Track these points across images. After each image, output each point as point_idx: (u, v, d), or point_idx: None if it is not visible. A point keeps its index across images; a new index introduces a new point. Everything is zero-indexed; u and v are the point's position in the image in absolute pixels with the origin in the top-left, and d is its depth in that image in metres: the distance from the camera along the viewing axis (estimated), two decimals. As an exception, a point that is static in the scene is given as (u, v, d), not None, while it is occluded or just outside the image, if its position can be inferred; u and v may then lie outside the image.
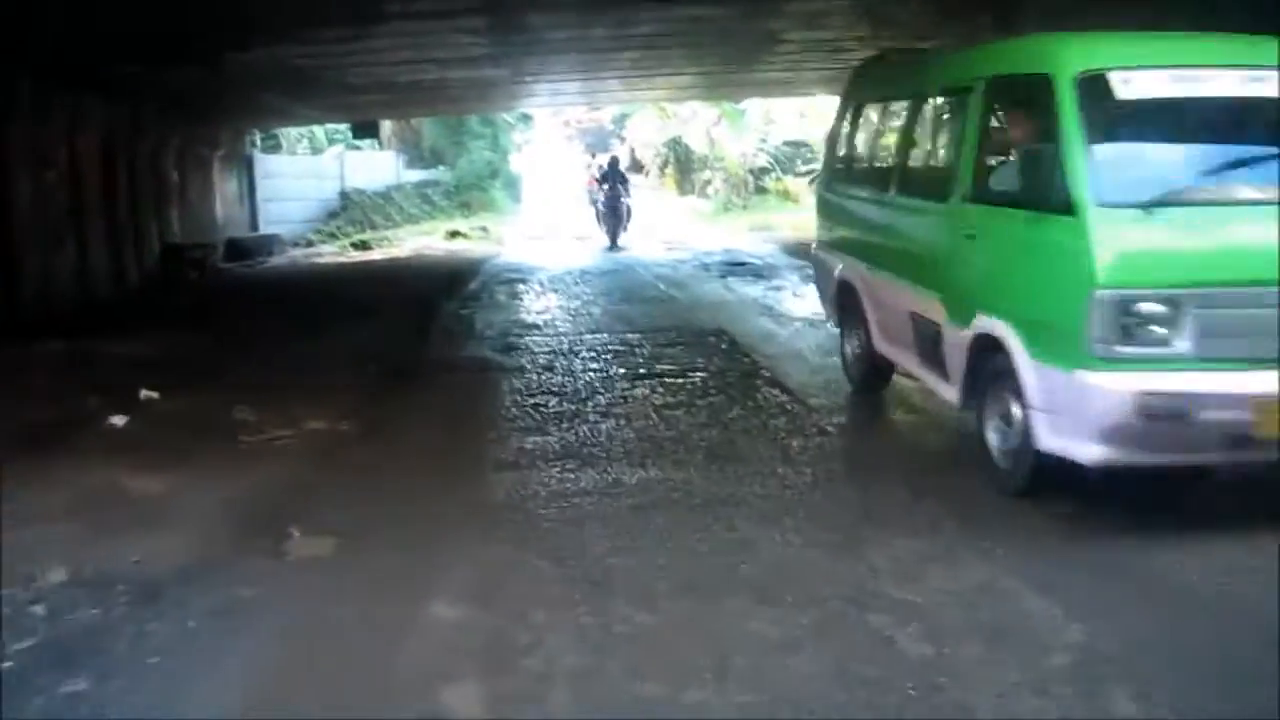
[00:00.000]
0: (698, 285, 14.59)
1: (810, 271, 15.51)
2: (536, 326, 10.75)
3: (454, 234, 24.42)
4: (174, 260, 17.76)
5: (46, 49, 11.32)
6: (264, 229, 23.47)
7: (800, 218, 27.42)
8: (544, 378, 8.00)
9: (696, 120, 34.33)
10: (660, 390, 7.48)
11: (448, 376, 8.42)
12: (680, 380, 7.78)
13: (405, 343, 10.04)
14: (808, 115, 32.91)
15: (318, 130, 33.96)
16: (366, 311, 12.38)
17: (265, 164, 24.65)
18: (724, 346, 9.31)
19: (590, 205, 23.88)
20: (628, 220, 22.10)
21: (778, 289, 13.69)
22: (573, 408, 6.99)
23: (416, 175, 32.01)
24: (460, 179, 32.52)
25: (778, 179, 35.64)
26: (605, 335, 9.94)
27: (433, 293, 14.56)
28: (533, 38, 13.31)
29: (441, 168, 33.72)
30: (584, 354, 8.93)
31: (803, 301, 12.62)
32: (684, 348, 9.25)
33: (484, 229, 25.52)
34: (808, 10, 12.66)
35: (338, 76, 15.74)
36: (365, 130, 23.52)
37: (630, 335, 9.91)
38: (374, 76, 15.92)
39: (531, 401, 7.22)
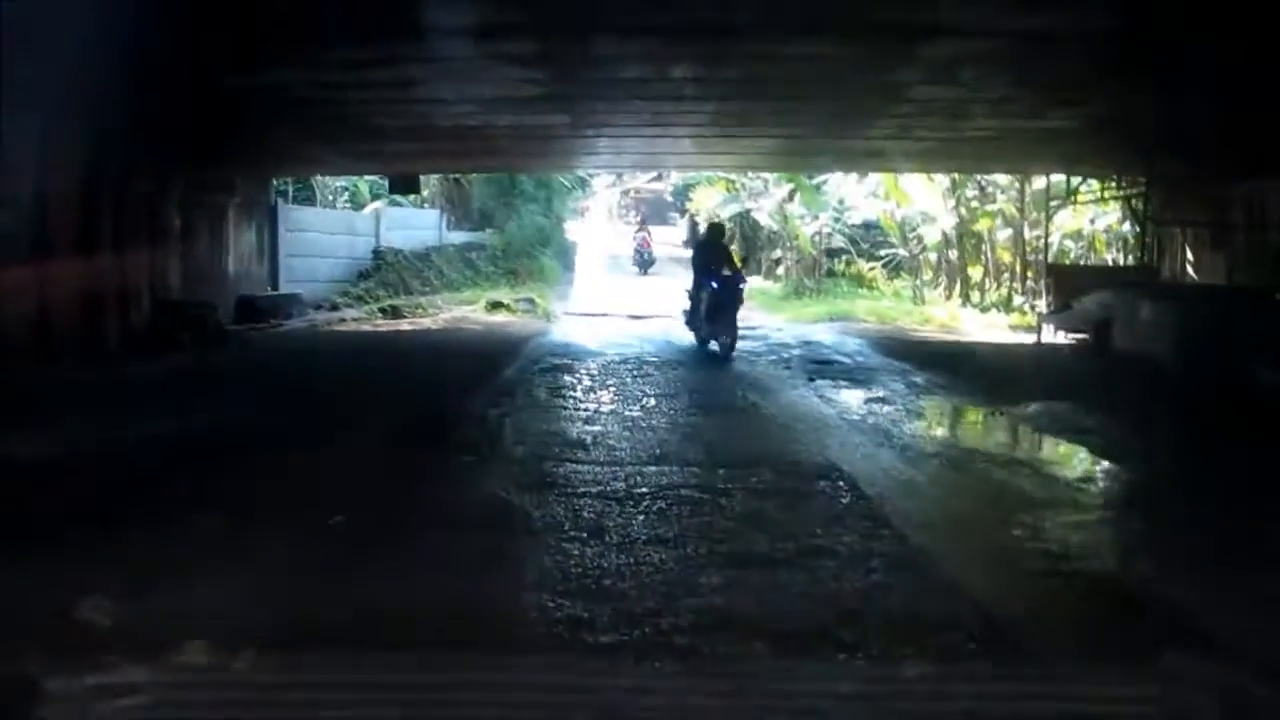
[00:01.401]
0: (782, 390, 11.86)
1: (918, 380, 13.13)
2: (582, 446, 8.01)
3: (496, 305, 21.95)
4: (168, 320, 15.37)
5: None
6: (286, 287, 21.21)
7: (881, 306, 24.80)
8: (584, 557, 5.20)
9: (767, 195, 31.87)
10: (771, 603, 4.67)
11: (434, 545, 5.55)
12: (799, 576, 5.00)
13: (399, 468, 7.37)
14: (879, 195, 30.44)
15: (361, 184, 32.02)
16: (368, 408, 9.80)
17: (291, 216, 22.42)
18: (845, 501, 6.51)
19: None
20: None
21: (884, 401, 10.92)
22: (623, 636, 4.18)
23: (461, 237, 29.74)
24: (508, 244, 30.18)
25: (849, 263, 33.05)
26: (674, 471, 7.18)
27: (459, 382, 11.99)
28: (597, 75, 10.89)
29: (489, 230, 31.44)
30: (645, 507, 6.15)
31: (925, 425, 9.90)
32: (789, 502, 6.48)
33: (530, 301, 23.02)
34: (944, 55, 10.05)
35: (364, 115, 13.40)
36: (404, 184, 21.20)
37: (709, 473, 7.16)
38: (408, 118, 13.57)
39: (558, 622, 4.39)
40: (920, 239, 28.53)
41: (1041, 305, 21.02)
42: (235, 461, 7.33)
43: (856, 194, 30.87)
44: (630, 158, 19.52)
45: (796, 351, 16.15)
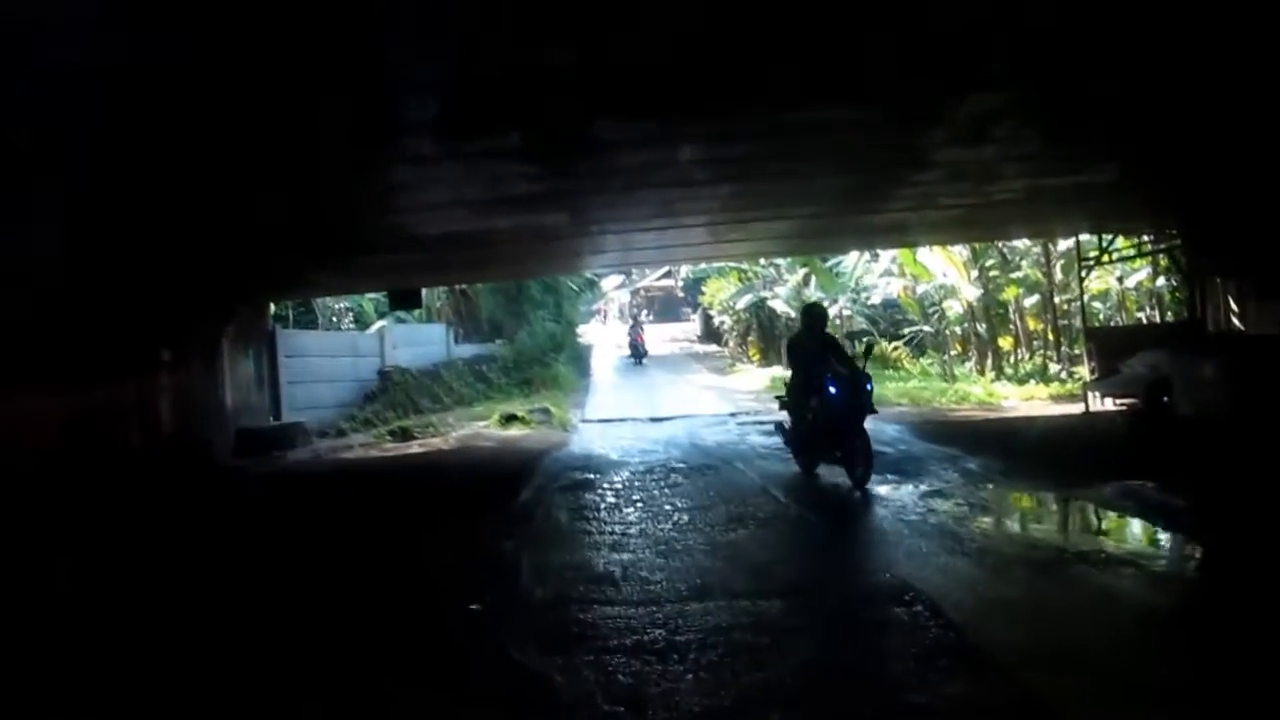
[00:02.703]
0: (826, 495, 10.82)
1: (971, 466, 12.06)
2: (610, 581, 6.96)
3: (510, 419, 20.95)
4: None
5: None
6: (289, 415, 20.29)
7: (912, 387, 23.74)
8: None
9: (781, 282, 31.10)
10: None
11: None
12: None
13: (391, 627, 6.32)
14: (894, 272, 29.64)
15: (366, 304, 31.45)
16: (362, 550, 8.80)
17: (291, 341, 21.60)
18: (932, 633, 5.43)
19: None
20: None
21: (941, 495, 9.88)
22: None
23: (470, 350, 28.96)
24: (519, 353, 29.37)
25: (870, 344, 32.14)
26: (721, 607, 6.11)
27: (469, 509, 11.02)
28: (597, 165, 10.03)
29: (499, 341, 30.69)
30: (693, 662, 5.09)
31: (994, 521, 8.83)
32: (864, 640, 5.43)
33: (545, 411, 22.05)
34: (976, 113, 9.19)
35: (353, 228, 12.60)
36: (404, 300, 20.40)
37: (763, 606, 6.10)
38: (400, 228, 12.75)
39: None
40: (943, 313, 27.61)
41: (1084, 372, 19.96)
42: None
43: (872, 273, 30.15)
44: (639, 254, 18.65)
45: (833, 444, 15.08)
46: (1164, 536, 8.03)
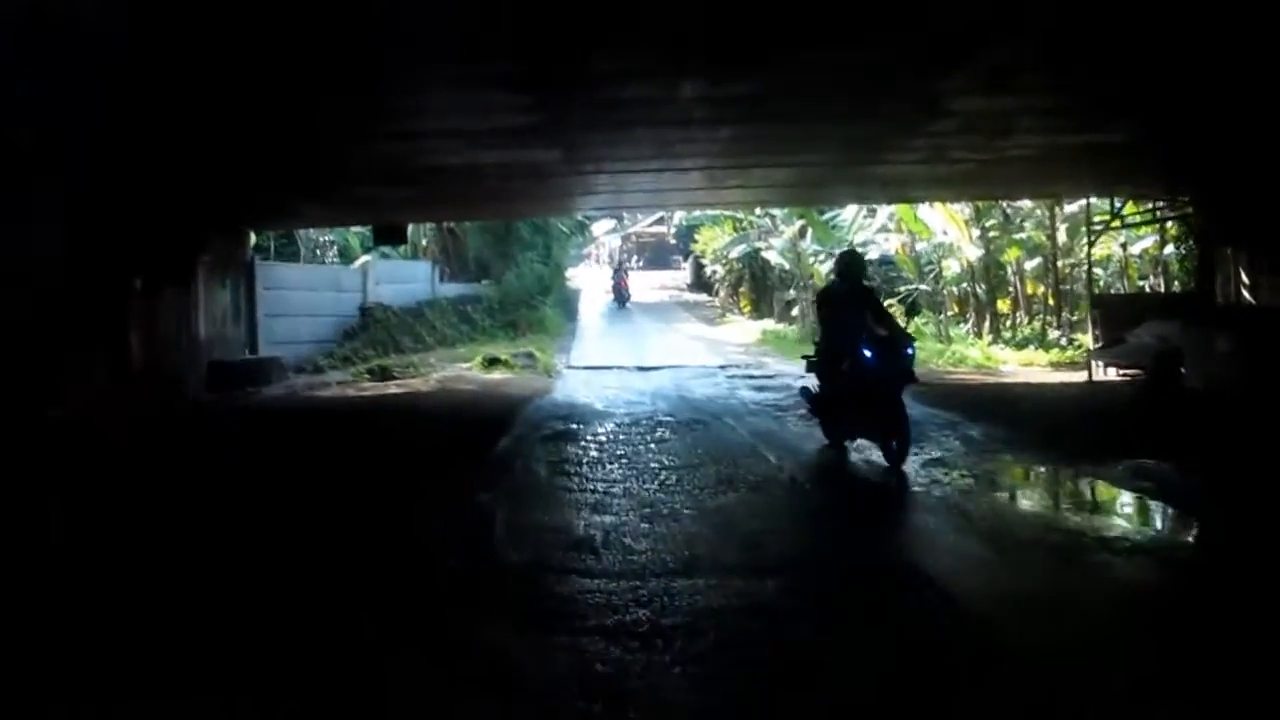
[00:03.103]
0: (819, 454, 10.31)
1: (973, 433, 11.55)
2: (591, 549, 6.40)
3: (493, 362, 20.41)
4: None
5: None
6: (266, 349, 19.70)
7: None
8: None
9: (776, 234, 30.45)
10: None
11: None
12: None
13: (350, 592, 5.79)
14: (891, 228, 29.03)
15: (352, 238, 30.72)
16: (329, 499, 8.28)
17: (270, 273, 20.95)
18: (946, 625, 4.91)
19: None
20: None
21: (943, 465, 9.33)
22: None
23: (455, 290, 28.33)
24: (506, 295, 28.77)
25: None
26: (711, 585, 5.57)
27: (446, 455, 10.52)
28: (593, 98, 9.39)
29: (486, 282, 30.05)
30: (680, 650, 4.52)
31: (1005, 497, 8.34)
32: (870, 629, 4.91)
33: (530, 355, 21.52)
34: (996, 63, 8.58)
35: (336, 157, 11.95)
36: (390, 235, 19.73)
37: (756, 586, 5.58)
38: (385, 159, 12.11)
39: None
40: (940, 273, 27.03)
41: (1086, 339, 19.46)
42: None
43: (869, 228, 29.49)
44: (633, 197, 17.93)
45: (826, 403, 14.58)
46: (1188, 521, 7.53)
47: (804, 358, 11.21)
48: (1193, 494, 7.98)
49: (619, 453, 10.41)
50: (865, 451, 10.06)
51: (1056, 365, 19.99)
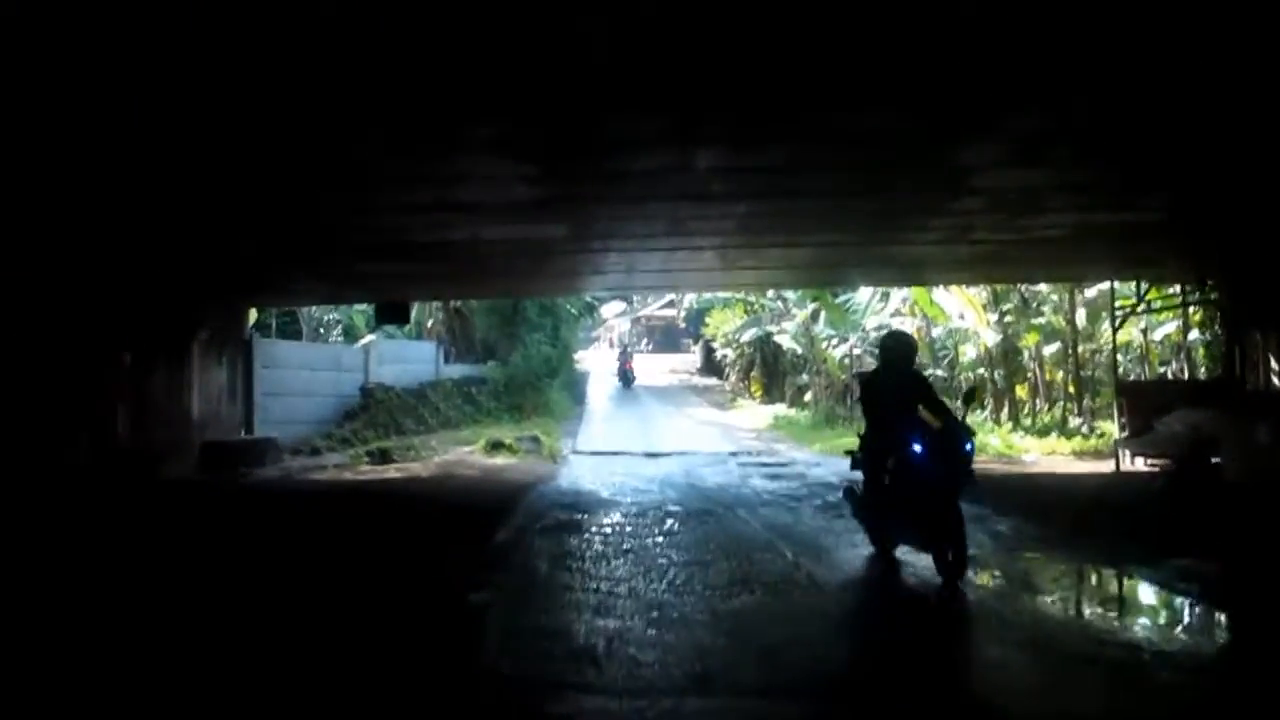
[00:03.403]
0: (839, 549, 9.58)
1: (1001, 528, 10.85)
2: (592, 659, 5.70)
3: (496, 446, 19.78)
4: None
5: None
6: (262, 430, 19.14)
7: None
8: None
9: (788, 317, 29.97)
10: None
11: None
12: None
13: (319, 701, 5.12)
14: (904, 312, 28.54)
15: (357, 317, 30.35)
16: (310, 585, 7.61)
17: (269, 351, 20.48)
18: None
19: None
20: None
21: (976, 565, 8.61)
22: None
23: (460, 371, 27.82)
24: (511, 377, 28.23)
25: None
26: (727, 710, 4.92)
27: (440, 545, 9.88)
28: (602, 168, 8.89)
29: (492, 363, 29.54)
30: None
31: (1051, 603, 7.64)
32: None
33: (535, 439, 20.88)
34: (1027, 131, 8.08)
35: (335, 229, 11.49)
36: (392, 313, 19.23)
37: (774, 710, 4.91)
38: (383, 232, 11.62)
39: None
40: (956, 358, 26.44)
41: (1109, 427, 18.73)
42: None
43: (883, 312, 29.02)
44: (643, 277, 17.39)
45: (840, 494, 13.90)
46: (1250, 633, 6.80)
47: (848, 453, 9.77)
48: (1247, 599, 7.27)
49: (625, 546, 9.73)
50: (912, 562, 9.37)
51: (1080, 454, 19.27)
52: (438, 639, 6.35)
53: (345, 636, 6.43)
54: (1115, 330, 18.50)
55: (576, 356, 44.28)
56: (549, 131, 7.67)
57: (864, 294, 28.51)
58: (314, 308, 28.10)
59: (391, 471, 17.14)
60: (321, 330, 30.72)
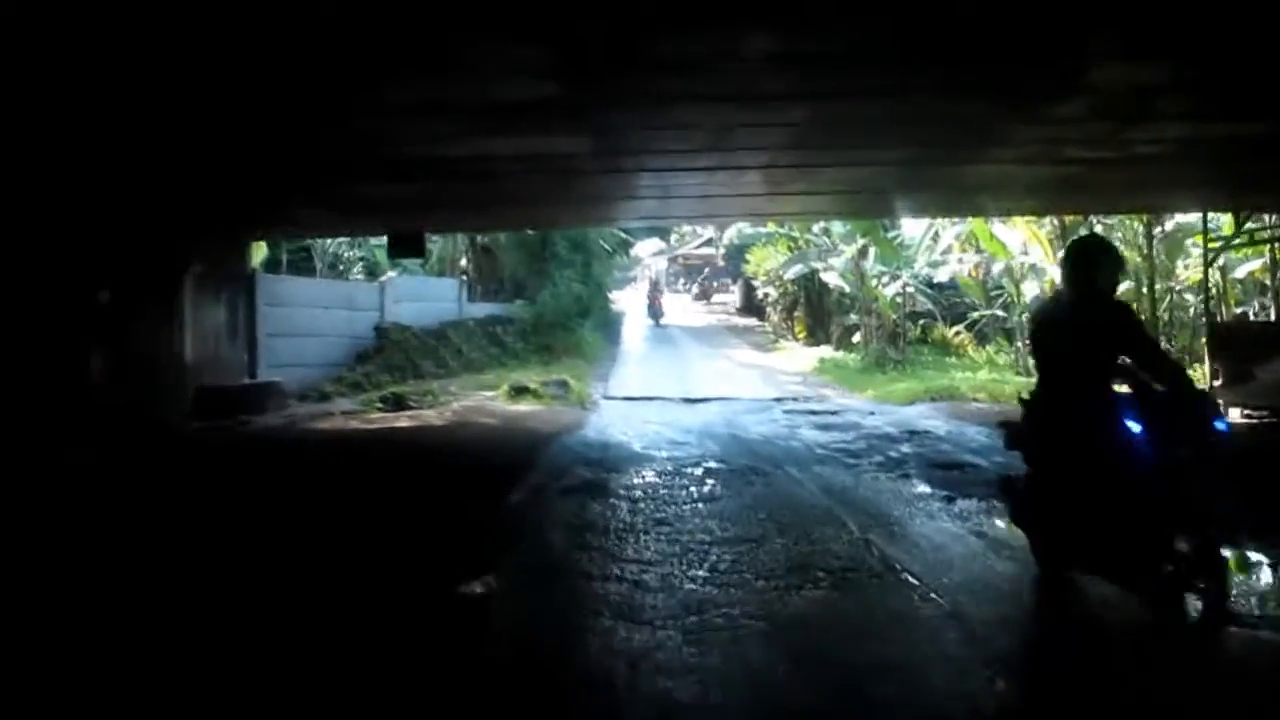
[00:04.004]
0: (914, 519, 8.06)
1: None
2: (608, 688, 4.28)
3: (520, 391, 18.34)
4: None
5: None
6: (267, 374, 17.79)
7: (984, 380, 20.78)
8: None
9: (836, 253, 28.23)
10: None
11: None
12: None
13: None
14: (955, 248, 26.75)
15: (380, 253, 28.85)
16: (282, 563, 6.18)
17: (275, 288, 19.10)
18: None
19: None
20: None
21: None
22: None
23: (484, 310, 26.31)
24: (540, 316, 26.71)
25: (925, 328, 29.19)
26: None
27: (443, 512, 8.44)
28: (627, 56, 7.25)
29: (519, 302, 28.06)
30: None
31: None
32: None
33: (562, 384, 19.41)
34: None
35: (327, 144, 9.97)
36: (406, 245, 17.68)
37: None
38: (381, 145, 10.07)
39: None
40: (1018, 296, 24.62)
41: (1199, 374, 16.98)
42: None
43: (936, 249, 27.25)
44: (679, 204, 15.57)
45: (906, 448, 12.36)
46: None
47: (1001, 426, 6.85)
48: None
49: (657, 516, 8.23)
50: (979, 522, 7.83)
51: (1165, 404, 17.53)
52: (413, 652, 4.89)
53: (305, 634, 5.01)
54: (1207, 265, 16.61)
55: (612, 297, 42.78)
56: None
57: (916, 229, 26.78)
58: (330, 244, 26.62)
59: (403, 419, 15.74)
60: (341, 268, 29.27)
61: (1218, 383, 15.50)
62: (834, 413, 16.84)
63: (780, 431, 14.33)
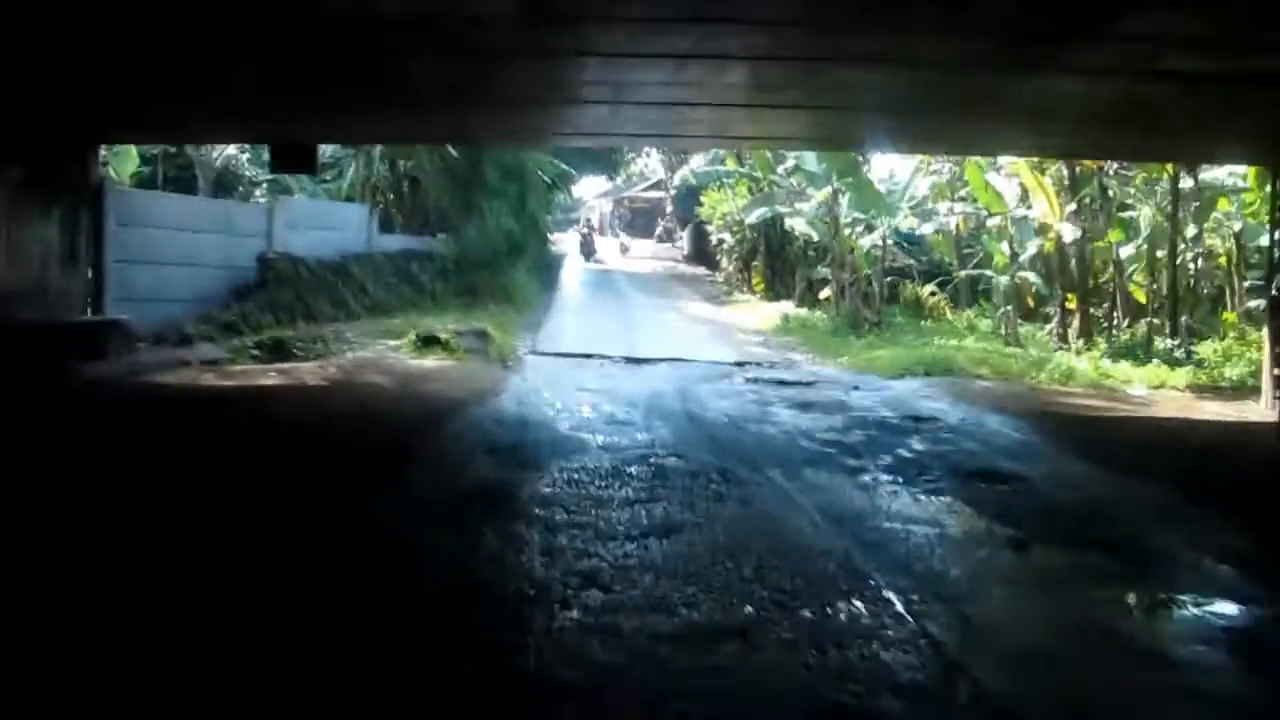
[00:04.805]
0: (963, 571, 5.38)
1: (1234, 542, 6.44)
2: None
3: (428, 342, 15.33)
4: None
5: None
6: (119, 309, 14.60)
7: (980, 351, 17.85)
8: None
9: (804, 197, 25.38)
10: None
11: None
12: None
13: None
14: (932, 199, 24.12)
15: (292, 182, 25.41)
16: None
17: (131, 205, 15.88)
18: None
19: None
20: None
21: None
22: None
23: (398, 243, 23.10)
24: (465, 253, 23.57)
25: (896, 286, 26.46)
26: None
27: (267, 546, 5.50)
28: None
29: (442, 236, 24.90)
30: None
31: None
32: None
33: (481, 335, 16.43)
34: None
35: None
36: (292, 159, 14.42)
37: None
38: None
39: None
40: (1014, 256, 21.92)
41: (1261, 355, 14.18)
42: None
43: (922, 194, 24.56)
44: (634, 115, 12.24)
45: (918, 444, 9.62)
46: None
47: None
48: None
49: (583, 568, 5.32)
50: (1061, 574, 5.10)
51: (1198, 389, 14.97)
52: None
53: None
54: (1275, 223, 13.80)
55: (552, 238, 39.72)
56: None
57: (903, 173, 24.05)
58: (217, 157, 23.08)
59: (272, 375, 12.66)
60: (241, 190, 25.83)
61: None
62: (808, 384, 14.10)
63: (748, 410, 11.53)
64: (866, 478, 8.00)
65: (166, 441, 8.60)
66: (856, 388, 13.77)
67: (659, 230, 54.35)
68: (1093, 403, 13.30)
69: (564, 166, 30.23)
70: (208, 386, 11.71)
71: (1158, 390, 14.85)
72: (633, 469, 7.93)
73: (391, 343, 15.81)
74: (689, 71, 9.19)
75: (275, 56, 8.97)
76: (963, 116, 11.33)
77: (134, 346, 13.94)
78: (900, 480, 7.91)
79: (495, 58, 8.86)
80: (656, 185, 59.16)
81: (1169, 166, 18.35)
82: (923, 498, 7.33)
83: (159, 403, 10.79)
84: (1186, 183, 18.94)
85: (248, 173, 25.53)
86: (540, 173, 26.93)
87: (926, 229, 23.53)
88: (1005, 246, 22.90)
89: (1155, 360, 16.97)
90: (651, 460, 8.29)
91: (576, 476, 7.59)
